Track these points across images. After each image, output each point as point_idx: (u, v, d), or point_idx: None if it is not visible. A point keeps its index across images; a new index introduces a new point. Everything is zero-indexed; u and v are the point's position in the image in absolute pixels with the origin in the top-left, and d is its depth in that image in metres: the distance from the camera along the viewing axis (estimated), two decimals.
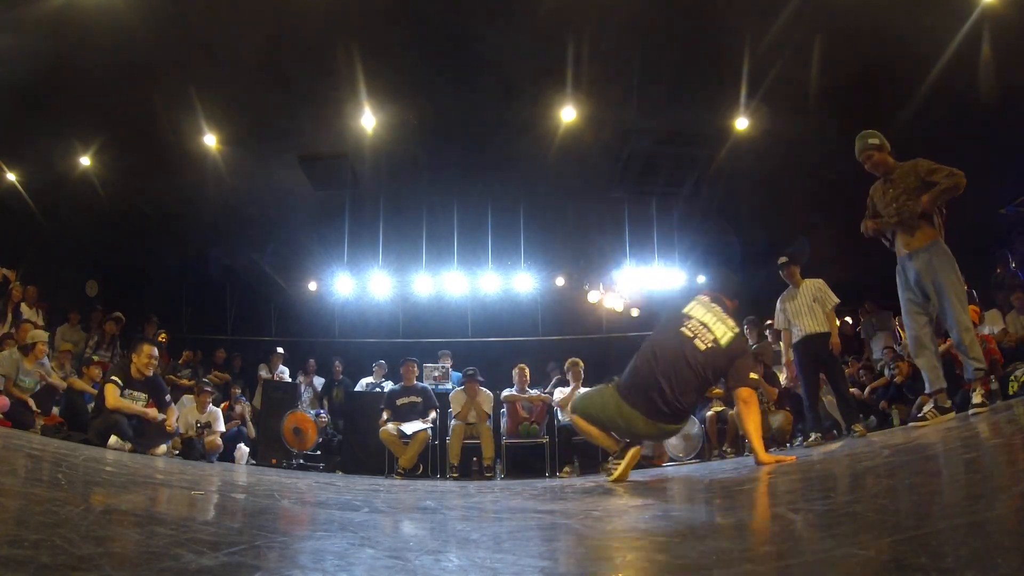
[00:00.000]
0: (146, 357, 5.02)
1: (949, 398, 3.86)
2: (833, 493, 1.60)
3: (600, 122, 6.23)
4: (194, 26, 4.91)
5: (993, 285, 7.09)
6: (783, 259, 5.42)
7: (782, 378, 6.33)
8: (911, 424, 4.10)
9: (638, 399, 2.91)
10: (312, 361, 8.77)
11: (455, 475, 5.85)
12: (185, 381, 7.38)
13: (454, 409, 6.38)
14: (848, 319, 8.85)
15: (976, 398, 3.57)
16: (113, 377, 4.84)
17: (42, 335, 5.88)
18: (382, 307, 9.35)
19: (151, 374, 5.11)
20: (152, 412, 4.88)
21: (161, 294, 9.54)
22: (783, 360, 6.57)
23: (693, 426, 7.00)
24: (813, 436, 5.00)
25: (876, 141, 3.90)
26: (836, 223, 7.25)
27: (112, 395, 4.76)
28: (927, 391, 3.92)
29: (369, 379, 8.09)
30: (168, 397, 5.39)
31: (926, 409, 3.87)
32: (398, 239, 8.31)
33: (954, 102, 5.77)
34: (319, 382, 8.69)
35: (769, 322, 7.01)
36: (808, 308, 5.17)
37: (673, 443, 6.89)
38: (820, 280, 5.27)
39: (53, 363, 6.29)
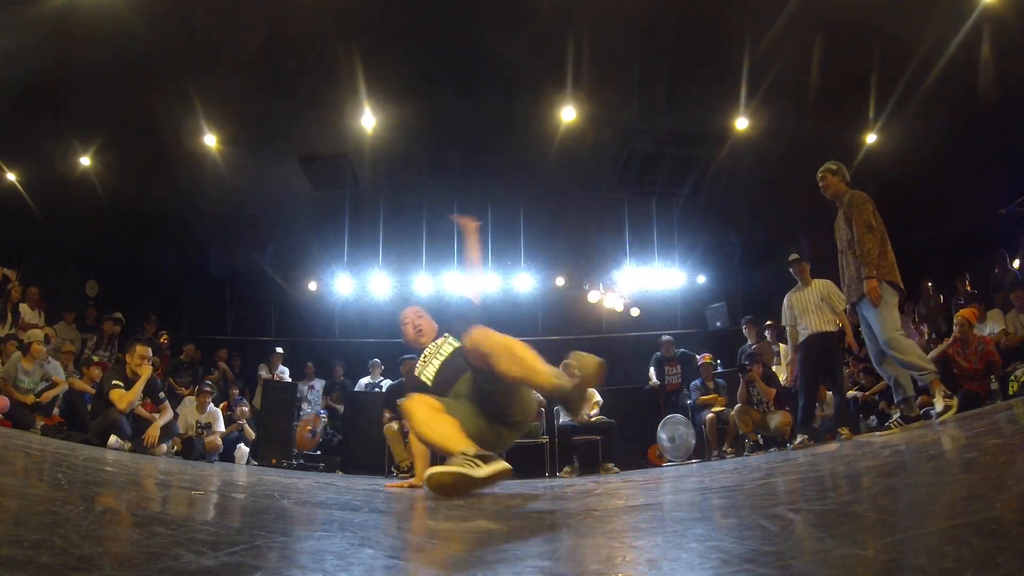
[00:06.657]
0: (139, 357, 5.04)
1: (953, 395, 3.86)
2: (833, 493, 1.60)
3: (600, 122, 6.23)
4: (194, 26, 4.91)
5: (993, 285, 7.08)
6: (794, 256, 5.38)
7: (781, 378, 6.31)
8: (877, 434, 4.07)
9: None
10: (310, 364, 8.80)
11: None
12: (185, 391, 7.37)
13: None
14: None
15: (938, 404, 3.41)
16: (115, 382, 4.87)
17: (38, 334, 5.88)
18: (382, 307, 9.35)
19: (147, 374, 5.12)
20: (153, 434, 4.94)
21: (161, 294, 9.55)
22: (783, 360, 6.53)
23: (688, 430, 7.00)
24: (799, 438, 4.82)
25: (833, 167, 4.08)
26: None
27: (122, 399, 4.79)
28: (894, 401, 3.90)
29: (367, 379, 8.09)
30: (162, 395, 5.42)
31: (891, 420, 3.86)
32: (398, 239, 8.31)
33: (954, 102, 5.77)
34: (320, 384, 8.71)
35: (769, 322, 7.01)
36: (816, 306, 5.12)
37: (667, 446, 6.90)
38: (830, 281, 5.20)
39: (58, 363, 6.28)
